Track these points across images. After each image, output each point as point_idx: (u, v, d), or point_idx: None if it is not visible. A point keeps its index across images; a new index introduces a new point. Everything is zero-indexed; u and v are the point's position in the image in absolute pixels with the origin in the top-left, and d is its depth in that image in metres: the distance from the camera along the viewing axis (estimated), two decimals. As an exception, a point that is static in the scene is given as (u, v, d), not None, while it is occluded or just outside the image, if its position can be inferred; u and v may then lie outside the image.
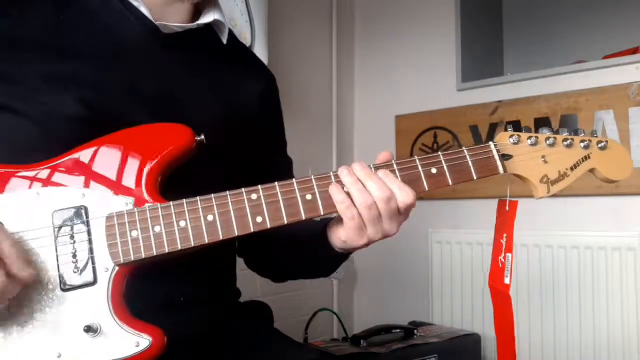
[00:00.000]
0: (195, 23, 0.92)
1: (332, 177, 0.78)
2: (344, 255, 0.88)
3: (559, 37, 2.77)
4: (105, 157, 0.76)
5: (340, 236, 0.82)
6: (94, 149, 0.76)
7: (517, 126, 0.86)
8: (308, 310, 2.28)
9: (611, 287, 1.95)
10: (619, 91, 2.01)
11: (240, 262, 1.07)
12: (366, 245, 0.81)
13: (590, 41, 2.60)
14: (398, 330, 2.02)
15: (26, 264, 0.68)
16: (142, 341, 0.70)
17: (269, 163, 1.03)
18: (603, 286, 1.97)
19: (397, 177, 0.79)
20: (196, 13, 0.94)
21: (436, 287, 2.38)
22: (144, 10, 0.88)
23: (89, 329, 0.69)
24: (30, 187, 0.74)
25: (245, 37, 2.03)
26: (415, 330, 2.04)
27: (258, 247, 1.04)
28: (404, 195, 0.77)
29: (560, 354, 2.05)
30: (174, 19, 0.90)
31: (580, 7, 2.76)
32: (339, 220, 0.81)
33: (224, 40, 0.98)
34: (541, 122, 2.09)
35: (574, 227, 2.06)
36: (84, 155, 0.76)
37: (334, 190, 0.77)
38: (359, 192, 0.77)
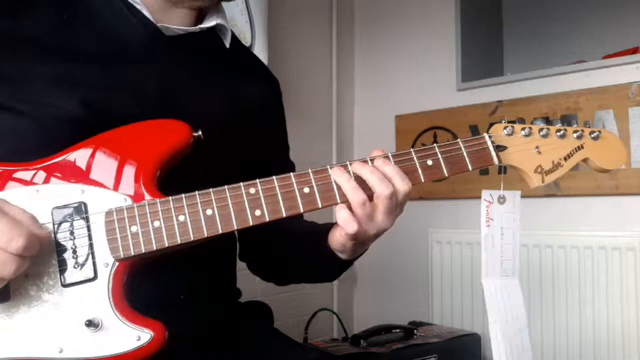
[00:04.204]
0: (197, 27, 0.92)
1: (330, 170, 0.78)
2: (346, 262, 0.88)
3: (559, 37, 2.77)
4: (104, 154, 0.76)
5: (338, 238, 0.82)
6: (92, 146, 0.76)
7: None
8: (308, 310, 2.28)
9: (611, 287, 1.95)
10: (619, 91, 2.01)
11: (240, 262, 1.07)
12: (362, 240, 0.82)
13: (590, 41, 2.60)
14: (398, 330, 2.02)
15: (39, 224, 0.69)
16: (144, 335, 0.70)
17: (271, 167, 1.02)
18: (603, 286, 1.97)
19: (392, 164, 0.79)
20: (200, 17, 0.95)
21: (436, 287, 2.38)
22: (145, 12, 0.88)
23: (90, 324, 0.69)
24: (29, 184, 0.74)
25: (245, 37, 2.03)
26: (415, 330, 2.04)
27: (259, 252, 1.04)
28: (402, 184, 0.78)
29: (560, 353, 2.05)
30: (177, 22, 0.90)
31: (580, 7, 2.76)
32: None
33: (227, 45, 0.98)
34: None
35: (574, 227, 2.06)
36: (83, 152, 0.76)
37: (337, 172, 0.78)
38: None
